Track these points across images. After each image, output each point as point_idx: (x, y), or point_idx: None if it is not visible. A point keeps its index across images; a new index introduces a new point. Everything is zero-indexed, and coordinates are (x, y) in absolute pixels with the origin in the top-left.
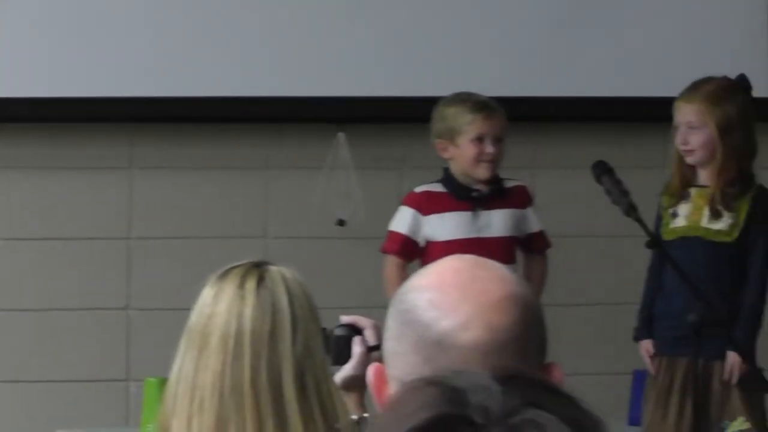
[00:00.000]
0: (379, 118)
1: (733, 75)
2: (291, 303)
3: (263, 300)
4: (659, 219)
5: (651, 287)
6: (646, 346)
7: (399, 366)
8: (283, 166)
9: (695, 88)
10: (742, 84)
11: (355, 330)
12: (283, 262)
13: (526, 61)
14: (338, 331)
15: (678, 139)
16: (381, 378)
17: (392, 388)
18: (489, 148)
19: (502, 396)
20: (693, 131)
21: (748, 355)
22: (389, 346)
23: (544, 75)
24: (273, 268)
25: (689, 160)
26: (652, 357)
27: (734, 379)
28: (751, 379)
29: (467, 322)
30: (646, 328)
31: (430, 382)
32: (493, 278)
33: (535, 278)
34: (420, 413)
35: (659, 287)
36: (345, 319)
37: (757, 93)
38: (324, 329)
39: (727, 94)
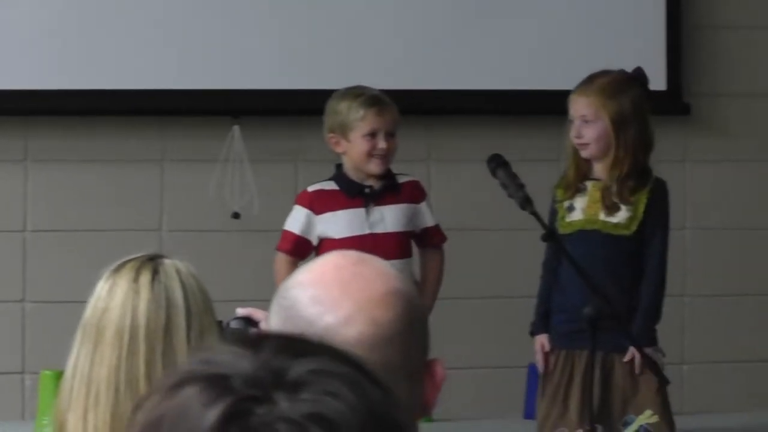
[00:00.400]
0: (274, 111)
1: (631, 69)
2: (185, 296)
3: (157, 294)
4: (554, 212)
5: (547, 281)
6: (542, 340)
7: None
8: (179, 158)
9: (590, 81)
10: (638, 77)
11: (252, 322)
12: (179, 255)
13: (420, 54)
14: (234, 324)
15: (572, 133)
16: None
17: None
18: (381, 144)
19: (268, 366)
20: (587, 125)
21: (647, 347)
22: None
23: (438, 68)
24: (167, 262)
25: (584, 153)
26: (550, 351)
27: (637, 370)
28: (650, 371)
29: (350, 317)
30: (542, 322)
31: (190, 379)
32: (375, 274)
33: (432, 273)
34: (206, 416)
35: (555, 281)
36: (241, 311)
37: (656, 86)
38: (220, 322)
39: (622, 87)
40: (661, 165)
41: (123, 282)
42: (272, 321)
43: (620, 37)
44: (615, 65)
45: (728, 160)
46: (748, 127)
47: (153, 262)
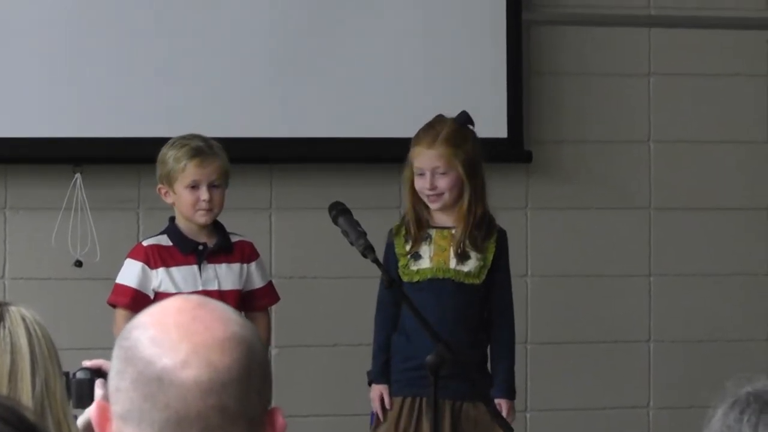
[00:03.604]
0: (115, 159)
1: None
2: (30, 342)
3: (2, 339)
4: (392, 260)
5: (385, 330)
6: (381, 390)
7: (120, 402)
8: (21, 206)
9: (432, 130)
10: (466, 121)
11: (98, 373)
12: (23, 303)
13: (262, 102)
14: (80, 374)
15: (423, 185)
16: (104, 415)
17: (114, 427)
18: (204, 195)
19: None
20: (441, 176)
21: (512, 399)
22: (113, 383)
23: (279, 116)
24: (13, 308)
25: (435, 204)
26: (394, 397)
27: (510, 419)
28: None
29: (187, 359)
30: (381, 372)
31: None
32: (215, 318)
33: (261, 335)
34: None
35: (394, 328)
36: (88, 363)
37: (497, 134)
38: (66, 373)
39: (465, 134)
40: (503, 212)
41: None
42: (113, 362)
43: (461, 84)
44: (456, 113)
45: (570, 207)
46: (589, 173)
47: None
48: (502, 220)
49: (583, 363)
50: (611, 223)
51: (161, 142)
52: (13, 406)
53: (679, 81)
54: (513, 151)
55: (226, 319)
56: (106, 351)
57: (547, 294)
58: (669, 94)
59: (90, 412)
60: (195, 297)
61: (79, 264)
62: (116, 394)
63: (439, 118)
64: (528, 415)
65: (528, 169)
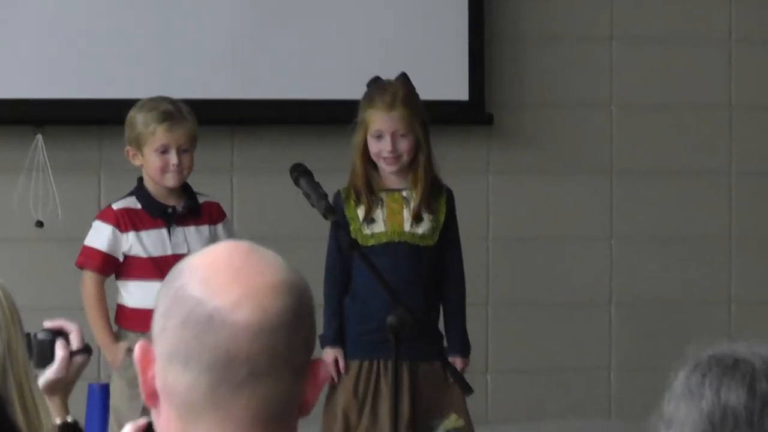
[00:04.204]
0: (77, 120)
1: (435, 79)
2: None
3: None
4: (343, 224)
5: (337, 293)
6: (336, 353)
7: (167, 342)
8: None
9: (389, 94)
10: (409, 82)
11: (59, 334)
12: None
13: (223, 63)
14: (41, 335)
15: (382, 147)
16: (147, 357)
17: (158, 367)
18: (173, 160)
19: None
20: (402, 138)
21: (467, 357)
22: (157, 324)
23: (240, 77)
24: None
25: (391, 167)
26: (349, 362)
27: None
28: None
29: (239, 301)
30: (336, 335)
31: None
32: (267, 263)
33: None
34: None
35: (345, 292)
36: (49, 323)
37: (458, 96)
38: (28, 334)
39: (415, 95)
40: (464, 175)
41: None
42: (159, 302)
43: (423, 46)
44: (418, 75)
45: (531, 171)
46: (551, 137)
47: None
48: (463, 183)
49: (544, 325)
50: (572, 186)
51: (123, 103)
52: None
53: (641, 45)
54: (474, 114)
55: (277, 264)
56: (68, 312)
57: (508, 256)
58: (631, 58)
59: (50, 374)
60: (245, 242)
61: (40, 225)
62: (162, 334)
63: (386, 81)
64: (488, 377)
65: (490, 132)
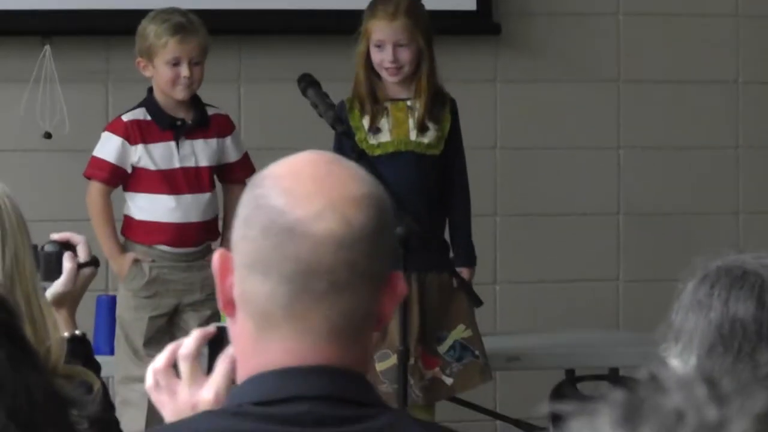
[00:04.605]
0: (85, 31)
1: None
2: (0, 216)
3: None
4: (351, 134)
5: None
6: None
7: (246, 251)
8: None
9: (391, 3)
10: None
11: (67, 246)
12: None
13: None
14: (48, 248)
15: (383, 57)
16: (225, 265)
17: (237, 276)
18: (184, 72)
19: None
20: (402, 48)
21: (473, 266)
22: (238, 231)
23: None
24: None
25: (393, 77)
26: None
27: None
28: (467, 289)
29: (322, 212)
30: None
31: None
32: (350, 175)
33: (234, 208)
34: None
35: None
36: (56, 236)
37: (466, 6)
38: (35, 246)
39: (419, 5)
40: (472, 84)
41: None
42: (240, 210)
43: None
44: None
45: (539, 80)
46: (558, 46)
47: None
48: (470, 92)
49: (552, 235)
50: (580, 95)
51: (131, 14)
52: None
53: None
54: (482, 23)
55: (360, 177)
56: (75, 223)
57: (516, 166)
58: None
59: (58, 286)
60: (328, 152)
61: (48, 136)
62: (242, 242)
63: None
64: (497, 288)
65: (497, 41)
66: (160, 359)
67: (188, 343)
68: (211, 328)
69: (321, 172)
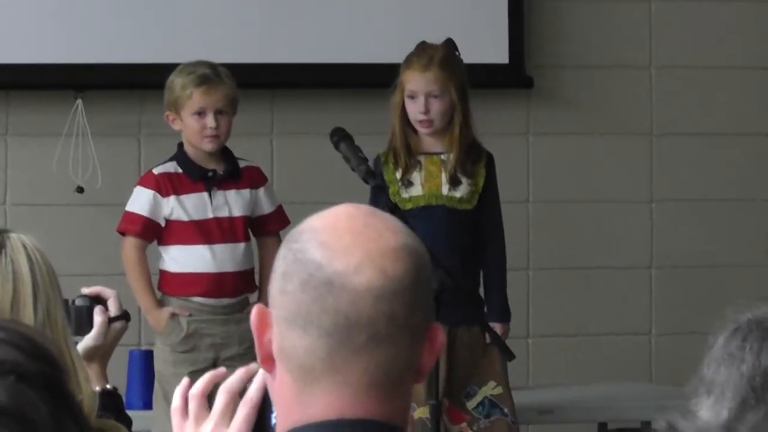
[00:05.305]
0: (116, 85)
1: (475, 43)
2: (32, 270)
3: (4, 266)
4: (384, 188)
5: None
6: None
7: (285, 305)
8: (22, 132)
9: (425, 54)
10: (454, 47)
11: (97, 300)
12: (23, 229)
13: (262, 27)
14: (79, 302)
15: (416, 109)
16: (264, 320)
17: (275, 331)
18: (210, 123)
19: None
20: (435, 99)
21: (507, 323)
22: (276, 285)
23: (281, 41)
24: (14, 235)
25: (425, 129)
26: None
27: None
28: (496, 345)
29: (360, 264)
30: None
31: None
32: (387, 227)
33: (269, 260)
34: None
35: None
36: (87, 290)
37: (498, 59)
38: (65, 300)
39: (456, 59)
40: (504, 138)
41: None
42: (277, 265)
43: (463, 9)
44: (457, 39)
45: (571, 133)
46: (591, 99)
47: None
48: (503, 145)
49: (585, 289)
50: (612, 148)
51: (162, 67)
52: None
53: (680, 6)
54: (514, 76)
55: (396, 228)
56: (107, 277)
57: (549, 219)
58: (670, 19)
59: (89, 340)
60: (364, 205)
61: (80, 190)
62: (281, 296)
63: (428, 44)
64: (530, 341)
65: (529, 94)
66: (198, 384)
67: (233, 378)
68: (255, 366)
69: (358, 224)
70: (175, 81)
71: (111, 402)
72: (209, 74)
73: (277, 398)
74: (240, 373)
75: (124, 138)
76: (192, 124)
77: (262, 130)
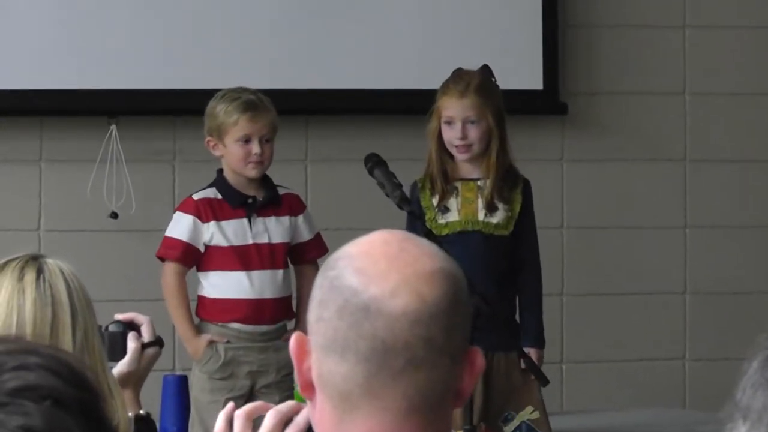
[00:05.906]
0: (151, 111)
1: (509, 69)
2: (70, 295)
3: (43, 292)
4: (419, 214)
5: None
6: None
7: (322, 332)
8: (56, 159)
9: (462, 81)
10: (490, 73)
11: (131, 326)
12: (57, 255)
13: (296, 53)
14: (113, 327)
15: (453, 135)
16: (302, 348)
17: (314, 358)
18: (255, 149)
19: None
20: (472, 125)
21: (542, 348)
22: (313, 313)
23: (315, 67)
24: (50, 261)
25: (463, 155)
26: None
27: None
28: (534, 369)
29: (396, 289)
30: None
31: None
32: (422, 252)
33: (308, 288)
34: None
35: None
36: (120, 316)
37: (532, 86)
38: (99, 326)
39: (493, 85)
40: (538, 164)
41: (7, 281)
42: (314, 293)
43: (496, 36)
44: (492, 65)
45: (605, 159)
46: (625, 126)
47: (36, 261)
48: (537, 172)
49: (619, 315)
50: (646, 174)
51: (196, 94)
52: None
53: (714, 32)
54: (548, 103)
55: (432, 252)
56: (140, 303)
57: (583, 246)
58: (704, 46)
59: (122, 366)
60: (399, 231)
61: (114, 216)
62: (317, 324)
63: (464, 70)
64: (564, 367)
65: (563, 121)
66: (245, 407)
67: (284, 404)
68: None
69: (393, 250)
70: (218, 107)
71: (145, 428)
72: (254, 101)
73: (318, 426)
74: (291, 402)
75: (158, 164)
76: (236, 150)
77: (297, 157)
